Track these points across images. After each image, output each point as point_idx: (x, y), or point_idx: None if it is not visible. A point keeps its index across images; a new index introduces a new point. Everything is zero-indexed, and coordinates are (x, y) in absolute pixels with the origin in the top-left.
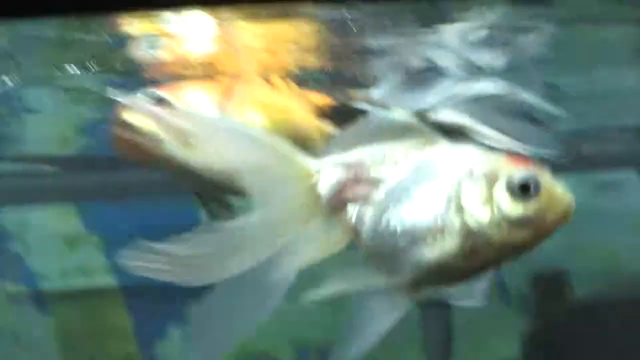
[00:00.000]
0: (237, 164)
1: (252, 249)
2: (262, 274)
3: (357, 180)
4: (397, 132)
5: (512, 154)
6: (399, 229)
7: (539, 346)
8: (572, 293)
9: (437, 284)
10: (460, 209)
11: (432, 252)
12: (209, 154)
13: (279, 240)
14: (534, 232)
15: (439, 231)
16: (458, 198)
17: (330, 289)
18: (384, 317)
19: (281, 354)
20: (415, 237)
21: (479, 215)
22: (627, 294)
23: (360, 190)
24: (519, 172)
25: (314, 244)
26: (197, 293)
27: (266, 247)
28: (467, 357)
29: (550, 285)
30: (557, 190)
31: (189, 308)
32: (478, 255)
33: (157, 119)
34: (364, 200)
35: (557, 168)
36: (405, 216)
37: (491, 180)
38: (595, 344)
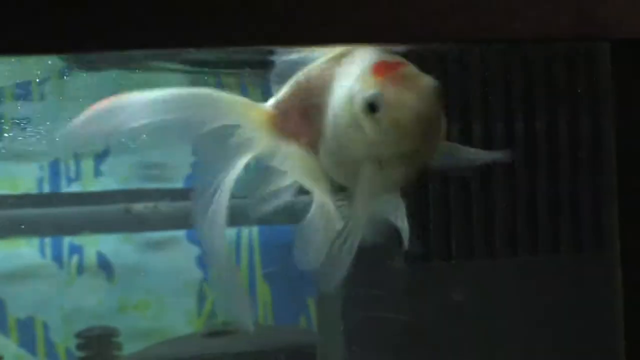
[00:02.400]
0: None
1: None
2: None
3: (296, 110)
4: None
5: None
6: (338, 155)
7: None
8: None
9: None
10: (358, 126)
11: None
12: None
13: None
14: (406, 134)
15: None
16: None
17: None
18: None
19: None
20: (349, 159)
21: (367, 131)
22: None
23: (303, 120)
24: (362, 95)
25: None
26: None
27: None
28: None
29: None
30: (404, 98)
31: None
32: (381, 174)
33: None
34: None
35: None
36: (339, 144)
37: (354, 104)
38: None
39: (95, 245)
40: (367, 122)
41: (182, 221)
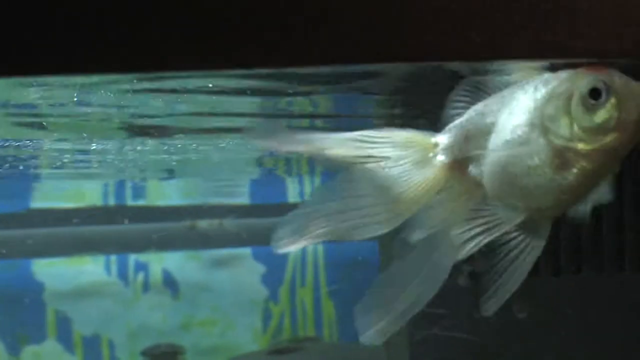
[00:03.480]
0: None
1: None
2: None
3: (468, 137)
4: None
5: (590, 65)
6: (505, 168)
7: None
8: None
9: (558, 207)
10: (544, 131)
11: (533, 179)
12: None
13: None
14: (620, 133)
15: (533, 158)
16: (541, 121)
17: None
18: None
19: None
20: (518, 171)
21: (561, 132)
22: None
23: (473, 145)
24: (586, 80)
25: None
26: None
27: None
28: None
29: None
30: (631, 87)
31: None
32: (575, 170)
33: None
34: (478, 153)
35: None
36: (508, 153)
37: (567, 96)
38: None
39: (160, 262)
40: (582, 112)
41: (248, 239)
